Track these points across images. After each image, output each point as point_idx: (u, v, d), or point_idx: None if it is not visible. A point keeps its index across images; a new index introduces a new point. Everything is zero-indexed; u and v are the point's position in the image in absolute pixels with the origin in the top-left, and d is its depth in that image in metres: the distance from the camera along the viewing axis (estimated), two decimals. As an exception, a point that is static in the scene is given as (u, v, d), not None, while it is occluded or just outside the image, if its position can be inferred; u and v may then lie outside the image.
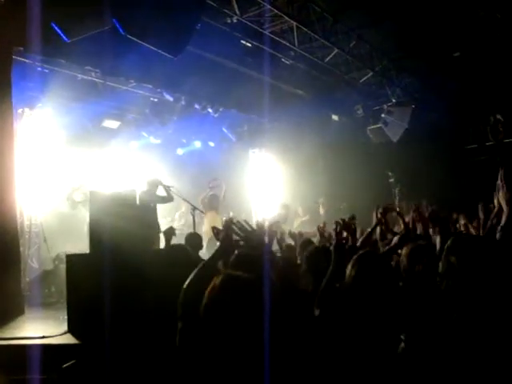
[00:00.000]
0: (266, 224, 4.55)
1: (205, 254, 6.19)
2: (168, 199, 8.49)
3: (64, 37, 6.20)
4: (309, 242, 5.10)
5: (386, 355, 2.60)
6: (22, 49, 7.25)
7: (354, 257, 2.85)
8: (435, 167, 11.69)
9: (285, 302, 2.89)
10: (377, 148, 12.54)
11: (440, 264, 3.04)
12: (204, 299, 2.19)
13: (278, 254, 4.91)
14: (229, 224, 2.82)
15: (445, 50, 10.54)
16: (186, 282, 2.57)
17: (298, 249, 4.99)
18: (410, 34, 9.77)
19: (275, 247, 5.05)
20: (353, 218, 4.36)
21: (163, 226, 8.76)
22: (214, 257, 2.76)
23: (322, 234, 5.78)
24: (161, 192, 8.49)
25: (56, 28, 6.09)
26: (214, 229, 3.20)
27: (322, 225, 5.99)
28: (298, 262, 4.32)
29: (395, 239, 4.07)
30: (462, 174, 11.72)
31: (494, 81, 10.94)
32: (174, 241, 5.71)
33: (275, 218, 10.71)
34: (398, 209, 4.77)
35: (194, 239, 5.90)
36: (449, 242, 2.94)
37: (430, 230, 4.55)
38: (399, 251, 3.76)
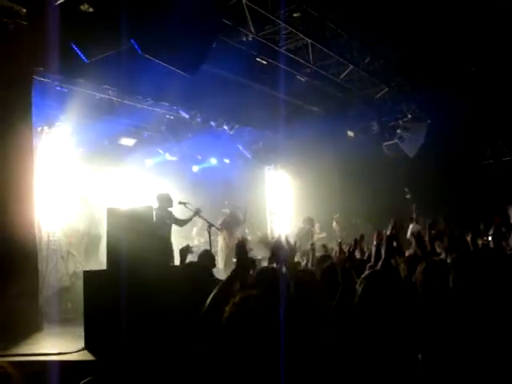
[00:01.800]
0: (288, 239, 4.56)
1: (221, 270, 6.19)
2: (180, 223, 8.48)
3: (83, 57, 6.33)
4: (324, 258, 5.07)
5: (402, 375, 2.55)
6: (41, 69, 7.41)
7: (362, 276, 2.84)
8: (452, 183, 11.58)
9: (301, 316, 2.88)
10: (393, 164, 12.47)
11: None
12: (222, 319, 2.22)
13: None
14: (241, 245, 2.85)
15: (461, 65, 10.51)
16: (206, 305, 2.59)
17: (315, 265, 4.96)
18: (426, 49, 9.77)
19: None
20: (362, 238, 4.37)
21: (180, 242, 8.80)
22: (230, 278, 2.79)
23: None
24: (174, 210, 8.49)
25: (75, 49, 6.21)
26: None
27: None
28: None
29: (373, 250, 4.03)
30: (479, 190, 11.58)
31: (510, 96, 10.86)
32: (191, 258, 5.72)
33: (299, 234, 10.74)
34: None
35: (207, 258, 5.92)
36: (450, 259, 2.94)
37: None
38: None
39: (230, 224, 10.94)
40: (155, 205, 8.06)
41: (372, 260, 4.00)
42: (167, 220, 8.02)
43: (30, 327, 6.16)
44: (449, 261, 3.79)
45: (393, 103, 12.13)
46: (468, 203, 11.20)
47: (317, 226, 11.99)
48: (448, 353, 2.64)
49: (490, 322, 2.61)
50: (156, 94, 9.71)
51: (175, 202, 8.35)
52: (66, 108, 8.97)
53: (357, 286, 2.82)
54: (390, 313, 2.62)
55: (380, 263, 3.80)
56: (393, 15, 8.61)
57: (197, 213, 8.37)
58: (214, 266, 6.11)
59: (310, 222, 11.46)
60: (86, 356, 5.02)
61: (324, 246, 6.49)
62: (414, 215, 10.75)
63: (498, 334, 2.57)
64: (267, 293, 2.83)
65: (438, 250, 4.63)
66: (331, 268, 3.81)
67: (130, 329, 4.72)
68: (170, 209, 8.31)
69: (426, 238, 4.53)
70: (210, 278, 4.30)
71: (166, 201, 8.23)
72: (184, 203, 8.33)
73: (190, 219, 8.56)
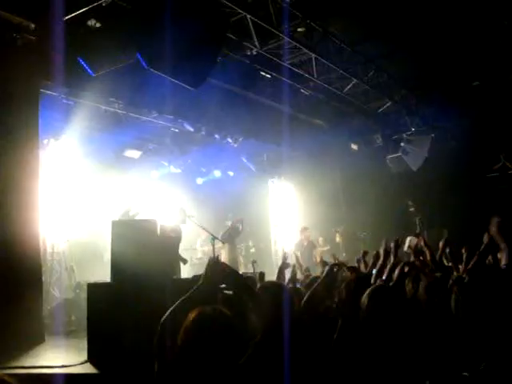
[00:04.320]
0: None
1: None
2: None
3: (90, 71, 6.42)
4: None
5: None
6: (48, 82, 7.50)
7: (368, 290, 2.81)
8: (456, 196, 11.57)
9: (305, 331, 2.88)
10: (396, 177, 12.49)
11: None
12: (179, 335, 2.16)
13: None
14: (211, 263, 2.78)
15: (464, 79, 10.56)
16: (162, 319, 2.47)
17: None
18: (429, 63, 9.83)
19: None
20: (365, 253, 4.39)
21: (185, 254, 8.81)
22: (192, 295, 2.64)
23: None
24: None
25: (82, 63, 6.30)
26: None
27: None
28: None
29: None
30: (484, 203, 11.57)
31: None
32: (195, 270, 5.74)
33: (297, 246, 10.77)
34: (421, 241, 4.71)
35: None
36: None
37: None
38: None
39: (232, 236, 10.97)
40: (175, 217, 8.08)
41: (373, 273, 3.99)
42: (173, 234, 8.01)
43: (33, 339, 6.17)
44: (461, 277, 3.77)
45: (396, 116, 12.17)
46: (473, 217, 11.17)
47: (320, 240, 12.01)
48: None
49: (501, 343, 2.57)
50: (161, 106, 9.79)
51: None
52: (71, 120, 9.06)
53: (362, 301, 2.80)
54: (396, 330, 2.61)
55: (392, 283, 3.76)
56: (396, 30, 8.68)
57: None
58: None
59: (303, 231, 11.48)
60: (89, 369, 5.02)
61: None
62: (418, 229, 10.74)
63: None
64: (270, 307, 2.85)
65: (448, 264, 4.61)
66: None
67: (132, 342, 4.73)
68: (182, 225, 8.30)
69: (439, 253, 4.52)
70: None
71: (182, 216, 8.25)
72: (188, 216, 8.35)
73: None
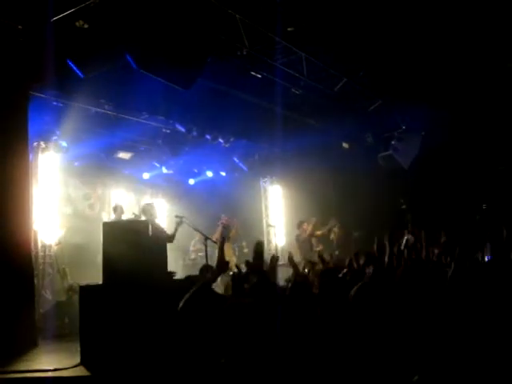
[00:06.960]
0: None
1: (218, 284, 6.15)
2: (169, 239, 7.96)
3: (79, 73, 6.39)
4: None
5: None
6: (38, 84, 7.47)
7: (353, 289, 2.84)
8: (447, 193, 11.64)
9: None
10: (388, 175, 12.53)
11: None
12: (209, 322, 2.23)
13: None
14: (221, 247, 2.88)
15: (453, 77, 10.61)
16: (181, 305, 2.60)
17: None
18: (420, 61, 9.86)
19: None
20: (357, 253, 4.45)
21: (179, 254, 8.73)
22: (209, 280, 2.82)
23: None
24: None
25: (71, 65, 6.27)
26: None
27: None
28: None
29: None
30: (475, 200, 11.65)
31: (505, 107, 10.95)
32: (189, 271, 5.74)
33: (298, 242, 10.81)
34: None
35: (208, 272, 5.89)
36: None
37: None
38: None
39: (225, 236, 10.93)
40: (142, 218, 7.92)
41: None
42: (163, 234, 7.97)
43: (25, 343, 6.14)
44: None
45: (387, 115, 12.20)
46: (464, 214, 11.24)
47: (313, 239, 11.99)
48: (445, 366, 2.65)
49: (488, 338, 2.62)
50: (152, 108, 9.76)
51: (172, 216, 8.32)
52: (62, 123, 9.01)
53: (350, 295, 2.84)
54: (378, 325, 2.65)
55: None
56: (386, 28, 8.71)
57: (180, 223, 8.05)
58: (215, 280, 6.05)
59: (300, 225, 11.49)
60: (82, 372, 5.01)
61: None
62: (410, 226, 10.78)
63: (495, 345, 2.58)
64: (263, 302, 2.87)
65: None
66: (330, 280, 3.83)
67: (126, 344, 4.72)
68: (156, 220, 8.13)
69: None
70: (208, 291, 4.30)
71: (152, 212, 8.09)
72: (180, 217, 8.32)
73: (175, 232, 8.10)
